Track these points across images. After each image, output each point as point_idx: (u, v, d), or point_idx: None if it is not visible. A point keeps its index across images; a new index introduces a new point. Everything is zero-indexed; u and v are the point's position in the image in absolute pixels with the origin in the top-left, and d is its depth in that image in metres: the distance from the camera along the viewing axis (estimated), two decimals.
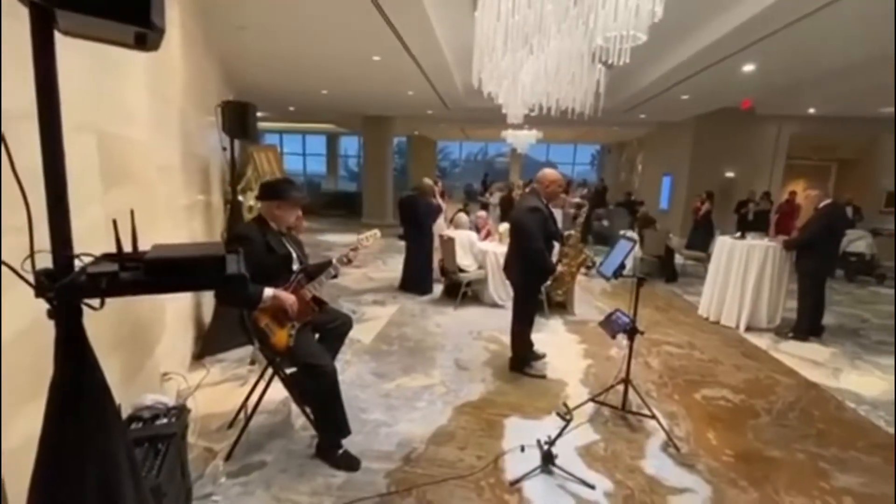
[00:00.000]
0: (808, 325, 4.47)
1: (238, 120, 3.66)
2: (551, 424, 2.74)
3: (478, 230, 5.96)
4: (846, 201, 8.87)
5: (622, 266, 2.73)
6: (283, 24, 5.24)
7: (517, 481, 2.23)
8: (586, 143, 20.61)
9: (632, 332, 2.77)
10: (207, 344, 3.57)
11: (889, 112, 9.48)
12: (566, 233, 4.61)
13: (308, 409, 2.45)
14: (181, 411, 1.97)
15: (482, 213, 6.36)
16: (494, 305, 5.18)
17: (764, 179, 10.82)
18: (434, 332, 4.34)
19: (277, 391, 2.61)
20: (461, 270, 5.12)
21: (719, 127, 10.37)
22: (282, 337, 2.21)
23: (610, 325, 2.81)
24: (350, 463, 2.29)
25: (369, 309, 4.99)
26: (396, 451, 2.46)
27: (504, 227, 5.61)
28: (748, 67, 6.48)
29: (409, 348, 3.93)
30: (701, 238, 7.83)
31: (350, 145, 22.36)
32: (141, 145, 2.42)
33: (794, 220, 9.05)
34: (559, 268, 3.42)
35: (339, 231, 11.32)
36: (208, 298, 3.96)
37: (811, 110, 10.01)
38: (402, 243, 5.95)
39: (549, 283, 3.57)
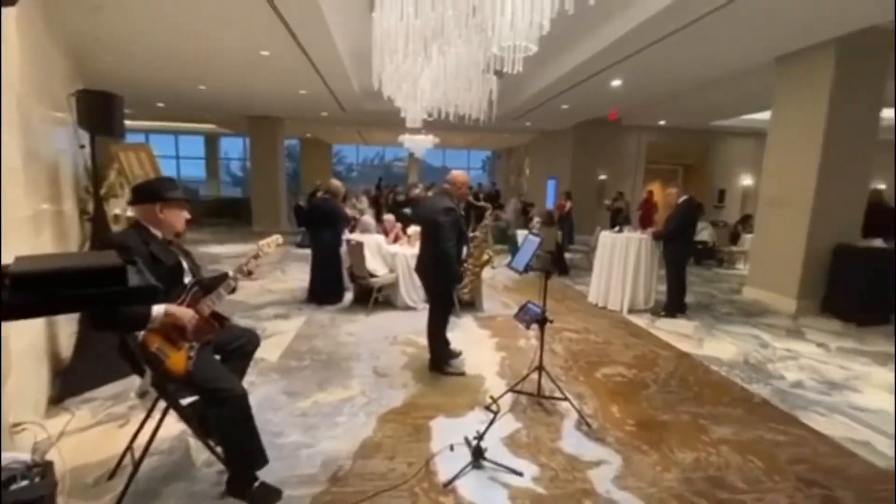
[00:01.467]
0: (675, 304, 5.23)
1: (100, 113, 3.09)
2: (476, 419, 2.79)
3: (386, 234, 5.86)
4: (699, 203, 10.65)
5: (531, 260, 2.90)
6: (151, 6, 4.59)
7: (450, 482, 2.22)
8: (478, 149, 21.64)
9: (542, 321, 2.95)
10: (69, 382, 2.95)
11: (719, 125, 11.59)
12: (471, 234, 4.76)
13: (213, 442, 2.15)
14: (45, 468, 1.58)
15: (390, 217, 6.26)
16: (407, 308, 5.15)
17: (629, 181, 12.46)
18: (347, 342, 4.15)
19: (169, 427, 2.25)
20: (371, 275, 4.98)
21: (593, 135, 11.70)
22: (178, 360, 1.90)
23: (524, 316, 2.96)
24: (269, 495, 2.06)
25: (272, 324, 4.59)
26: (321, 472, 2.29)
27: (414, 229, 5.61)
28: (615, 83, 7.39)
29: (322, 361, 3.70)
30: (566, 232, 8.74)
31: (233, 147, 20.51)
32: None
33: (653, 215, 10.55)
34: (467, 266, 3.51)
35: (225, 241, 10.28)
36: (65, 327, 3.28)
37: (662, 122, 11.79)
38: (301, 251, 5.60)
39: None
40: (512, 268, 3.11)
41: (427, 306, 5.02)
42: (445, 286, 3.49)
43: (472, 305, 5.29)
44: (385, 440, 2.60)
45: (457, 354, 3.73)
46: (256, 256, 2.27)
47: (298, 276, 6.61)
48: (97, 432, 2.58)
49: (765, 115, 6.68)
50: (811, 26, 4.85)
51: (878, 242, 5.38)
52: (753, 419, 2.95)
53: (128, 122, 13.84)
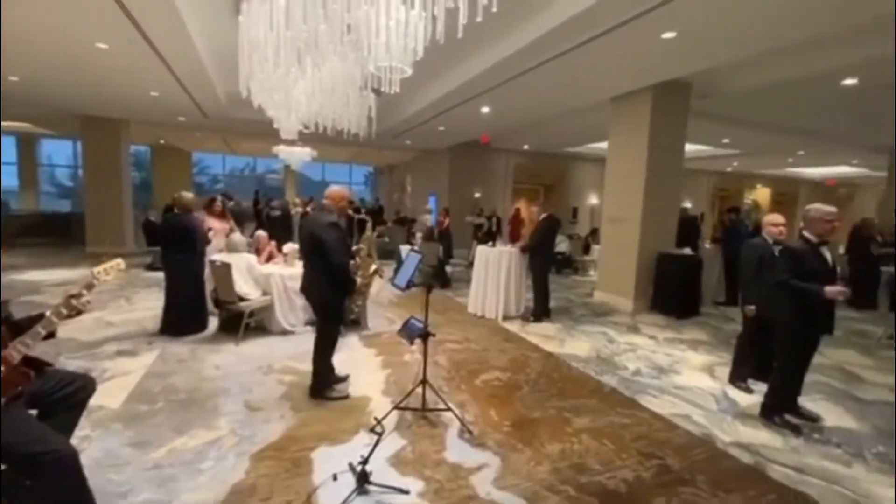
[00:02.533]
0: (541, 309, 5.81)
1: None
2: (362, 443, 2.72)
3: (258, 252, 5.42)
4: (559, 220, 11.99)
5: (413, 276, 2.97)
6: None
7: None
8: (360, 164, 21.42)
9: (425, 335, 3.03)
10: None
11: (571, 150, 13.28)
12: (354, 247, 4.65)
13: None
14: None
15: (262, 233, 5.81)
16: (285, 333, 4.81)
17: (500, 198, 13.56)
18: (213, 376, 3.71)
19: None
20: (241, 299, 4.54)
21: (468, 156, 12.50)
22: None
23: (407, 332, 3.00)
24: None
25: (114, 363, 3.88)
26: None
27: (290, 247, 5.29)
28: (485, 110, 8.03)
29: (180, 402, 3.24)
30: (446, 246, 9.22)
31: (58, 152, 16.98)
32: None
33: (521, 230, 11.61)
34: (359, 280, 3.45)
35: (47, 265, 8.41)
36: None
37: (526, 147, 13.12)
38: (153, 275, 4.86)
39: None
40: (395, 285, 3.13)
41: (308, 329, 4.84)
42: (336, 304, 3.36)
43: (357, 324, 5.17)
44: (260, 480, 2.37)
45: (342, 379, 3.60)
46: (89, 286, 1.92)
47: (149, 303, 5.72)
48: None
49: (605, 145, 7.89)
50: (634, 75, 5.92)
51: (687, 250, 6.70)
52: (605, 407, 3.41)
53: None
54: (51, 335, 1.82)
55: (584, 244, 10.66)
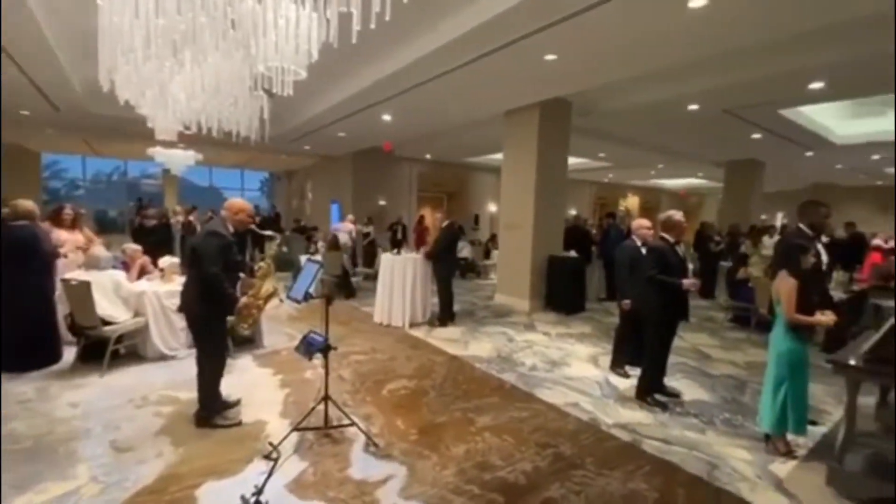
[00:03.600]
0: (446, 314, 5.94)
1: None
2: (257, 472, 2.51)
3: (127, 268, 4.74)
4: (460, 227, 12.37)
5: (311, 287, 2.83)
6: None
7: None
8: (254, 170, 19.94)
9: (326, 349, 2.90)
10: None
11: (471, 161, 13.84)
12: (257, 265, 4.22)
13: None
14: None
15: (133, 246, 5.09)
16: (163, 358, 4.26)
17: (405, 206, 13.63)
18: (69, 417, 3.14)
19: None
20: (106, 323, 3.92)
21: (371, 164, 12.38)
22: None
23: (305, 347, 2.85)
24: None
25: None
26: None
27: (167, 260, 4.72)
28: (386, 118, 8.03)
29: (24, 451, 2.68)
30: (352, 255, 9.11)
31: None
32: None
33: (426, 237, 11.80)
34: (243, 299, 3.17)
35: None
36: None
37: (428, 156, 13.39)
38: None
39: (233, 317, 3.25)
40: (291, 298, 2.96)
41: (192, 352, 4.34)
42: (216, 318, 3.06)
43: (251, 342, 4.77)
44: None
45: (233, 404, 3.29)
46: None
47: None
48: None
49: (501, 156, 8.37)
50: (524, 91, 6.38)
51: (573, 253, 7.38)
52: (505, 403, 3.59)
53: None
54: None
55: (485, 249, 11.17)
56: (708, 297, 8.34)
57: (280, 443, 2.72)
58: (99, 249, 4.35)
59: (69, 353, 4.13)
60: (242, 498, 2.22)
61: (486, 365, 4.49)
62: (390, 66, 5.51)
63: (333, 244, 7.59)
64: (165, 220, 9.46)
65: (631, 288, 4.05)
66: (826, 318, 2.77)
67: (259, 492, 2.13)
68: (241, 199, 3.31)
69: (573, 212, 16.08)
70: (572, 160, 12.44)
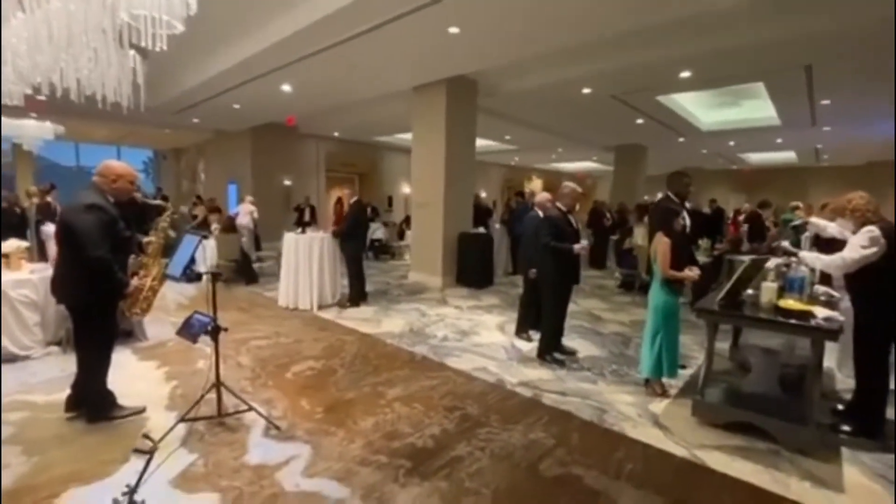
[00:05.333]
0: (357, 294, 5.78)
1: None
2: (134, 471, 2.21)
3: None
4: (368, 204, 12.04)
5: (192, 262, 2.53)
6: None
7: None
8: (133, 147, 17.47)
9: (215, 330, 2.63)
10: None
11: (381, 140, 13.51)
12: (145, 240, 3.65)
13: None
14: None
15: None
16: (14, 360, 3.57)
17: (313, 187, 12.95)
18: None
19: None
20: None
21: (273, 140, 11.49)
22: None
23: (188, 330, 2.56)
24: None
25: None
26: None
27: (12, 244, 3.95)
28: (286, 88, 7.46)
29: None
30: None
31: None
32: None
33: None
34: (134, 281, 2.74)
35: None
36: None
37: (336, 133, 12.80)
38: None
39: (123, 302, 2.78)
40: (168, 276, 2.62)
41: (51, 350, 3.73)
42: (102, 305, 2.64)
43: (130, 335, 4.19)
44: None
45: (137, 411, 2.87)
46: None
47: None
48: None
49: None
50: (428, 66, 6.31)
51: (481, 229, 7.60)
52: (416, 374, 3.60)
53: None
54: None
55: (399, 230, 11.08)
56: (600, 267, 9.16)
57: (163, 437, 2.44)
58: None
59: None
60: (114, 501, 1.95)
61: (397, 340, 4.46)
62: (286, 28, 5.08)
63: (229, 226, 6.95)
64: (13, 204, 7.92)
65: (533, 257, 4.27)
66: (692, 273, 3.16)
67: (132, 491, 1.88)
68: (120, 162, 2.81)
69: (483, 193, 16.60)
70: (482, 143, 12.77)
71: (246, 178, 11.67)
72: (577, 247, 3.67)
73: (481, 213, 8.28)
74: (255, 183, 11.42)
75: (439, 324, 5.08)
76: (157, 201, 3.07)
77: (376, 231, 10.59)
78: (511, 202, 9.94)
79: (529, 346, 4.28)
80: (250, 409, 2.77)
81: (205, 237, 2.72)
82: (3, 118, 8.83)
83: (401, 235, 10.96)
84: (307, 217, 10.67)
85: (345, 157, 13.84)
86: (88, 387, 2.73)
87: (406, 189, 15.57)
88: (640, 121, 9.63)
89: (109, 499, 1.97)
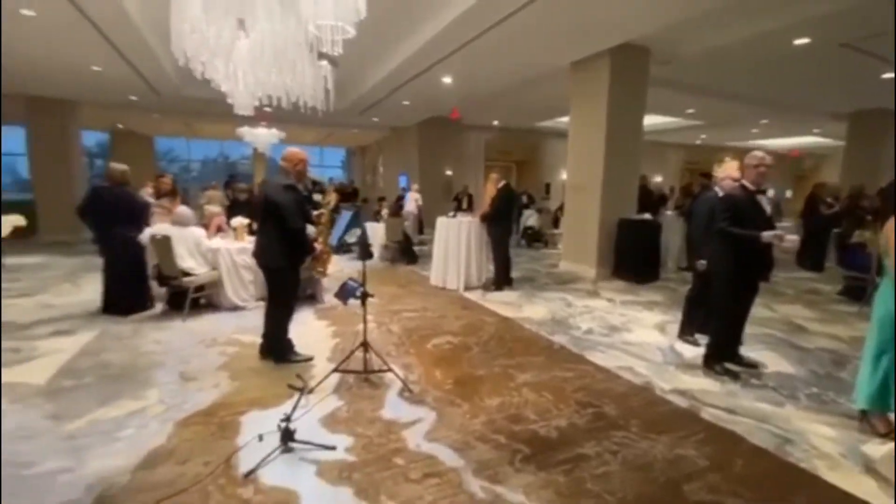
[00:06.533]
0: (502, 278, 5.78)
1: None
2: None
3: (206, 227, 5.22)
4: (523, 192, 11.95)
5: (345, 233, 2.87)
6: None
7: (252, 472, 2.05)
8: (332, 146, 20.96)
9: (363, 296, 2.94)
10: None
11: (543, 125, 13.19)
12: (316, 212, 4.41)
13: None
14: None
15: (212, 209, 5.60)
16: (235, 308, 4.67)
17: (472, 176, 13.44)
18: (151, 352, 3.57)
19: None
20: (185, 275, 4.38)
21: (437, 133, 12.30)
22: None
23: (342, 293, 2.92)
24: None
25: (47, 343, 3.71)
26: (84, 495, 1.90)
27: (238, 220, 5.12)
28: (446, 80, 7.85)
29: (110, 376, 3.11)
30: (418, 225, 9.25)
31: (11, 141, 16.07)
32: None
33: None
34: (317, 245, 3.33)
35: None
36: None
37: (496, 122, 12.98)
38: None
39: (308, 262, 3.45)
40: (326, 246, 3.03)
41: (259, 304, 4.72)
42: (293, 268, 3.27)
43: (313, 298, 5.05)
44: (181, 444, 2.29)
45: (305, 358, 3.49)
46: None
47: (96, 286, 5.48)
48: None
49: None
50: (591, 36, 5.79)
51: (646, 216, 6.74)
52: (551, 363, 3.41)
53: None
54: None
55: (554, 217, 10.67)
56: (816, 268, 7.19)
57: (319, 383, 2.85)
58: (184, 209, 4.83)
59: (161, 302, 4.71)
60: (278, 425, 2.36)
61: (537, 326, 4.30)
62: (442, 20, 5.31)
63: (395, 211, 7.71)
64: (253, 193, 10.28)
65: (706, 244, 3.57)
66: None
67: (287, 419, 2.24)
68: (298, 148, 3.43)
69: (658, 178, 14.77)
70: (654, 120, 11.35)
71: (414, 170, 12.81)
72: (767, 235, 2.88)
73: (651, 199, 7.34)
74: (420, 173, 12.44)
75: (585, 315, 4.72)
76: (319, 177, 3.59)
77: (529, 218, 10.43)
78: (692, 186, 8.56)
79: (694, 352, 3.63)
80: (390, 370, 3.02)
81: (358, 210, 3.06)
82: (242, 128, 11.55)
83: (555, 223, 10.54)
84: (465, 205, 11.15)
85: (503, 145, 13.97)
86: (276, 334, 3.37)
87: (564, 175, 14.91)
88: (888, 75, 7.14)
89: (275, 423, 2.40)
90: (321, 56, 4.85)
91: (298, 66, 4.86)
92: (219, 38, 4.13)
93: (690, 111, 10.65)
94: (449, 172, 12.84)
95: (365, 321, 3.06)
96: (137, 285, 4.54)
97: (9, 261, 7.32)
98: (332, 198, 4.48)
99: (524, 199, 11.38)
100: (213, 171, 23.72)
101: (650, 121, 10.95)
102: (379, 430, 2.45)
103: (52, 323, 4.21)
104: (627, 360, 3.51)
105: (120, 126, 14.63)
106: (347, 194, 13.57)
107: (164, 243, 4.27)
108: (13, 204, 12.54)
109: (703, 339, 3.74)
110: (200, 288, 4.53)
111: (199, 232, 4.75)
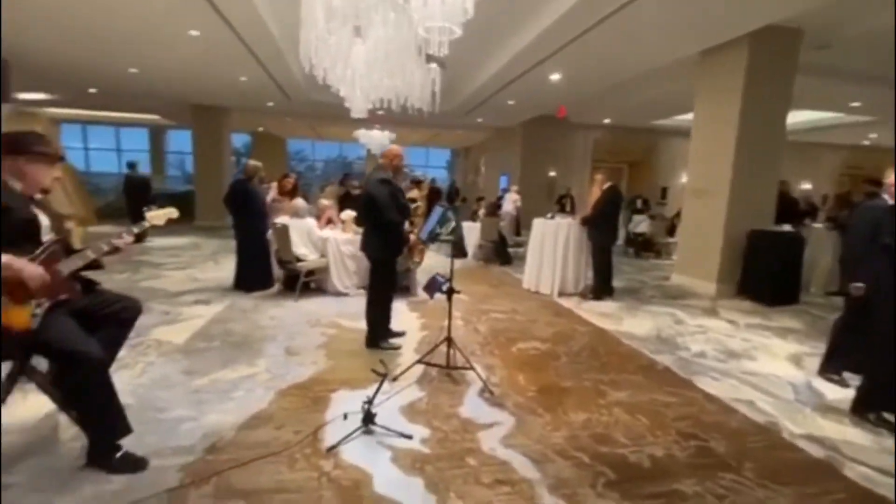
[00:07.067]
0: (602, 287, 5.38)
1: None
2: (381, 390, 2.75)
3: (319, 219, 5.74)
4: (636, 196, 11.06)
5: (435, 229, 2.90)
6: None
7: (334, 447, 2.17)
8: (438, 147, 21.68)
9: (450, 291, 2.95)
10: None
11: (661, 124, 12.08)
12: (413, 205, 4.61)
13: (74, 412, 2.02)
14: None
15: (325, 202, 6.14)
16: (339, 294, 5.05)
17: (577, 178, 12.81)
18: (266, 325, 4.02)
19: (38, 404, 2.11)
20: (299, 260, 4.85)
21: (542, 132, 11.95)
22: (19, 316, 1.76)
23: (430, 286, 2.96)
24: (132, 464, 1.95)
25: (188, 309, 4.39)
26: (199, 443, 2.18)
27: (347, 214, 5.53)
28: (554, 77, 7.57)
29: (232, 343, 3.56)
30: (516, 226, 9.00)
31: (184, 141, 19.58)
32: None
33: None
34: (412, 238, 3.48)
35: (161, 234, 9.74)
36: None
37: (607, 121, 12.20)
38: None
39: (404, 253, 3.66)
40: (419, 239, 3.10)
41: (360, 292, 5.04)
42: (388, 260, 3.45)
43: (407, 290, 5.25)
44: (279, 411, 2.52)
45: (399, 334, 3.71)
46: (140, 235, 2.16)
47: (232, 266, 6.37)
48: None
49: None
50: (727, 18, 5.07)
51: (786, 227, 5.75)
52: (651, 384, 3.07)
53: (59, 111, 12.75)
54: (96, 265, 2.08)
55: (669, 225, 9.69)
56: None
57: (403, 372, 2.93)
58: (300, 201, 5.37)
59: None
60: (361, 406, 2.47)
61: (637, 343, 3.92)
62: (552, 14, 5.11)
63: (492, 211, 7.67)
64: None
65: (867, 264, 2.90)
66: None
67: (370, 402, 2.33)
68: (396, 146, 3.62)
69: (808, 185, 12.63)
70: (805, 116, 9.67)
71: (515, 170, 12.63)
72: None
73: (794, 208, 6.26)
74: (522, 174, 12.21)
75: (698, 336, 4.17)
76: (417, 174, 3.72)
77: (640, 224, 9.62)
78: (850, 194, 7.12)
79: (840, 394, 2.98)
80: (472, 368, 2.99)
81: (450, 208, 3.08)
82: (359, 130, 12.51)
83: (671, 231, 9.56)
84: (567, 207, 10.69)
85: (613, 145, 13.07)
86: (372, 320, 3.56)
87: (685, 179, 13.45)
88: None
89: (360, 404, 2.51)
90: (429, 59, 5.00)
91: (408, 69, 5.07)
92: (338, 46, 4.49)
93: (855, 104, 8.83)
94: (552, 173, 12.42)
95: (450, 317, 3.07)
96: (262, 267, 5.16)
97: (172, 241, 8.87)
98: (417, 195, 4.62)
99: (637, 203, 10.53)
100: (333, 170, 26.09)
101: (797, 117, 9.38)
102: (455, 426, 2.42)
103: (195, 293, 4.98)
104: (747, 392, 3.01)
105: (260, 129, 16.83)
106: (436, 193, 13.90)
107: (282, 231, 4.79)
108: (179, 194, 15.22)
109: (853, 380, 3.06)
110: (311, 273, 4.99)
111: (311, 222, 5.24)
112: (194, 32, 5.99)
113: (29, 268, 1.79)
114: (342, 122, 12.76)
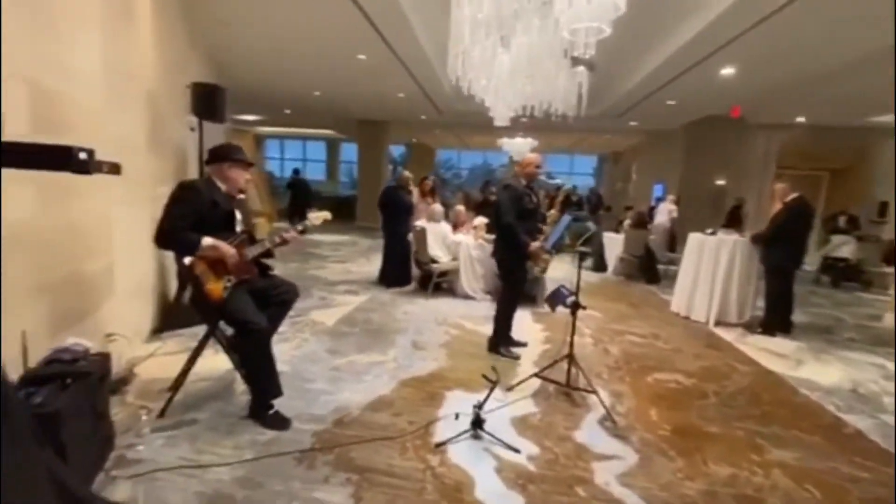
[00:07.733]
0: (775, 321, 4.43)
1: (207, 102, 3.74)
2: (494, 397, 2.73)
3: (455, 226, 6.00)
4: (840, 212, 8.88)
5: (561, 238, 2.76)
6: (263, 19, 5.37)
7: (442, 444, 2.23)
8: (583, 154, 20.70)
9: (574, 306, 2.78)
10: (169, 319, 3.61)
11: (880, 121, 9.48)
12: (548, 212, 4.46)
13: (243, 372, 2.50)
14: (104, 358, 2.01)
15: (460, 208, 6.40)
16: (467, 297, 5.20)
17: (754, 188, 10.82)
18: (400, 319, 4.36)
19: (225, 361, 2.66)
20: (433, 261, 5.15)
21: (709, 135, 10.41)
22: (216, 288, 2.25)
23: (553, 298, 2.83)
24: (279, 423, 2.32)
25: (340, 297, 5.03)
26: (330, 415, 2.48)
27: (479, 220, 5.67)
28: (727, 71, 6.54)
29: (370, 330, 3.96)
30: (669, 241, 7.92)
31: (353, 152, 22.63)
32: (85, 106, 2.46)
33: None
34: (534, 244, 3.37)
35: (329, 232, 11.36)
36: (174, 271, 4.01)
37: (800, 119, 10.02)
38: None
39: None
40: (544, 249, 2.99)
41: (486, 297, 5.11)
42: (514, 263, 3.44)
43: (533, 300, 5.13)
44: (398, 400, 2.70)
45: (521, 344, 3.70)
46: (303, 231, 2.58)
47: (378, 263, 7.10)
48: (175, 358, 3.10)
49: None
50: None
51: None
52: (832, 449, 2.41)
53: (264, 129, 15.88)
54: (269, 254, 2.54)
55: (887, 250, 7.51)
56: None
57: (518, 383, 2.87)
58: (437, 206, 5.70)
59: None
60: (472, 408, 2.48)
61: (820, 395, 3.12)
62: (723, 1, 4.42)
63: (638, 222, 6.98)
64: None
65: None
66: None
67: (480, 406, 2.34)
68: (533, 154, 3.60)
69: None
70: None
71: (674, 177, 11.27)
72: None
73: None
74: (682, 182, 10.82)
75: None
76: (555, 181, 3.62)
77: (842, 247, 7.66)
78: None
79: None
80: (594, 392, 2.76)
81: (576, 219, 2.90)
82: (505, 139, 12.72)
83: (888, 259, 7.39)
84: (738, 222, 9.10)
85: (808, 148, 10.66)
86: (497, 321, 3.57)
87: None
88: None
89: (471, 407, 2.54)
90: (575, 61, 4.80)
91: (552, 74, 4.96)
92: (482, 56, 4.63)
93: None
94: (721, 182, 10.71)
95: (573, 333, 2.89)
96: (402, 266, 5.63)
97: (336, 237, 10.28)
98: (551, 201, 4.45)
99: (839, 221, 8.43)
100: (477, 177, 27.06)
101: None
102: (567, 450, 2.27)
103: (347, 284, 5.68)
104: None
105: (414, 140, 18.39)
106: (568, 202, 13.12)
107: (421, 234, 5.15)
108: (344, 197, 17.54)
109: None
110: (443, 274, 5.25)
111: (446, 227, 5.51)
112: (362, 56, 6.85)
113: (229, 250, 2.27)
114: (486, 131, 13.16)
